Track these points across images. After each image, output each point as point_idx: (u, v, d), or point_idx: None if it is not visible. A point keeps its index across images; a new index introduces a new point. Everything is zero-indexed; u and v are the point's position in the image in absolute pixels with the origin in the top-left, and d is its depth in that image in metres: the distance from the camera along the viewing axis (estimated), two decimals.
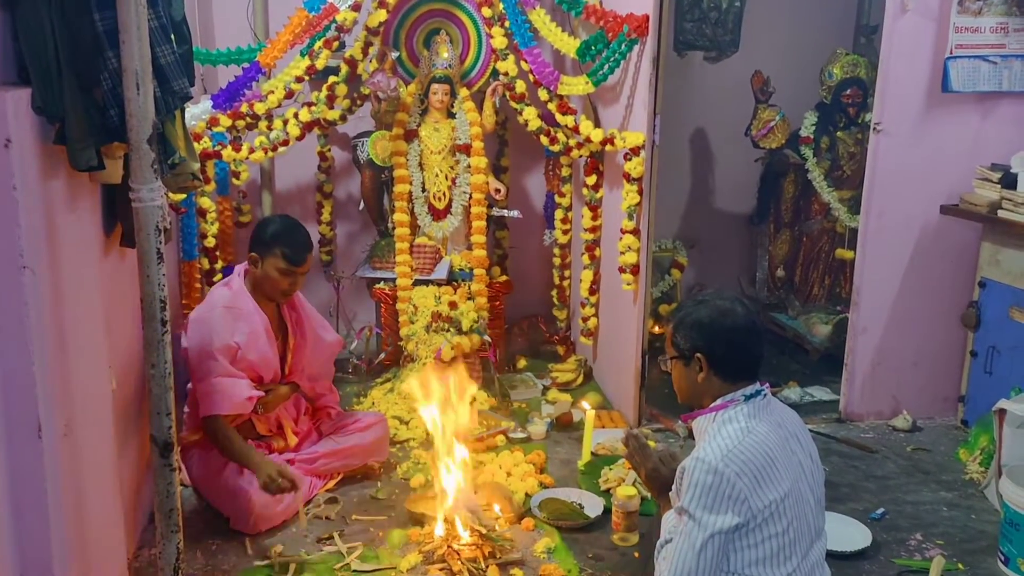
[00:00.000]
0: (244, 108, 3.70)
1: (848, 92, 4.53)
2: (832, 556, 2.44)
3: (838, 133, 4.61)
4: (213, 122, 3.65)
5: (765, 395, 2.02)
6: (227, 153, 3.64)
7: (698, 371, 2.03)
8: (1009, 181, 3.42)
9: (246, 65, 3.67)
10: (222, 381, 2.91)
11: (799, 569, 1.93)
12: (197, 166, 2.25)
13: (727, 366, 2.01)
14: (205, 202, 3.71)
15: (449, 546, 2.72)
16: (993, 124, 3.66)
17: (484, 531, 2.77)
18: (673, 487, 2.01)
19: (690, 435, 3.24)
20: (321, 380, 3.37)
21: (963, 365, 3.79)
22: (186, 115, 3.43)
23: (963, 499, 3.23)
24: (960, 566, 2.78)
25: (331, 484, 3.19)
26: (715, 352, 2.01)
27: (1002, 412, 2.98)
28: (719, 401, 2.01)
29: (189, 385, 3.05)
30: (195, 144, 3.52)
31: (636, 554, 2.79)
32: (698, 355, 2.03)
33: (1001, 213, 3.42)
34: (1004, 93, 3.62)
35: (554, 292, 4.67)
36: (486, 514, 2.89)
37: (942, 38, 3.53)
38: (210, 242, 3.76)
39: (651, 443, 2.33)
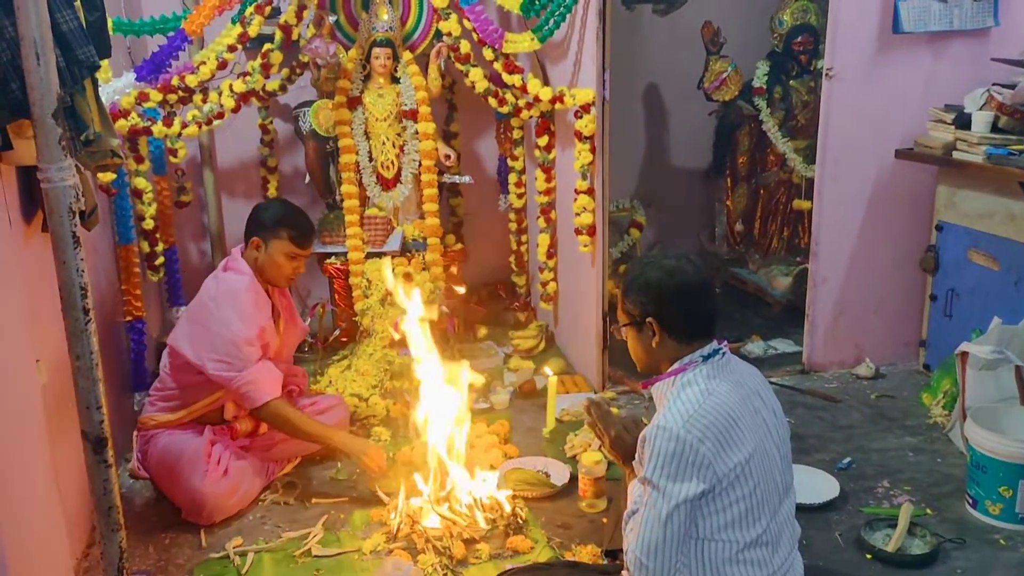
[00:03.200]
0: (175, 81, 3.52)
1: (799, 39, 4.46)
2: (801, 509, 2.40)
3: (791, 82, 4.54)
4: (143, 97, 3.47)
5: (724, 353, 1.95)
6: (158, 129, 3.46)
7: (651, 336, 1.95)
8: (963, 121, 3.38)
9: (171, 34, 3.48)
10: (264, 365, 2.85)
11: (769, 529, 1.88)
12: (116, 142, 2.10)
13: (680, 327, 1.93)
14: (140, 182, 3.54)
15: (414, 523, 2.65)
16: (945, 64, 3.61)
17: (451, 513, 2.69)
18: (636, 456, 1.94)
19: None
20: (288, 363, 3.30)
21: (923, 310, 3.78)
22: (109, 89, 3.29)
23: (928, 443, 3.23)
24: (928, 511, 2.77)
25: (289, 468, 3.10)
26: (666, 314, 1.93)
27: (964, 355, 2.96)
28: (677, 364, 1.93)
29: (166, 368, 2.93)
30: (123, 120, 3.37)
31: (604, 520, 2.74)
32: (649, 319, 1.95)
33: (956, 155, 3.38)
34: (955, 32, 3.56)
35: (512, 258, 4.57)
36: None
37: None
38: (148, 224, 3.60)
39: (614, 410, 2.27)
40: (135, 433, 3.01)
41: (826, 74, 3.55)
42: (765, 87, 4.53)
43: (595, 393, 3.70)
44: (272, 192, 4.42)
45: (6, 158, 2.01)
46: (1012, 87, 3.34)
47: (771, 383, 3.62)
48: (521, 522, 2.69)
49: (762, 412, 1.94)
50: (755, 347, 4.12)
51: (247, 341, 2.80)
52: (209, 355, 2.79)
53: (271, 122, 4.36)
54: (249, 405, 2.84)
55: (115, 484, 1.89)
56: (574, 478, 2.94)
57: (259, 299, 2.93)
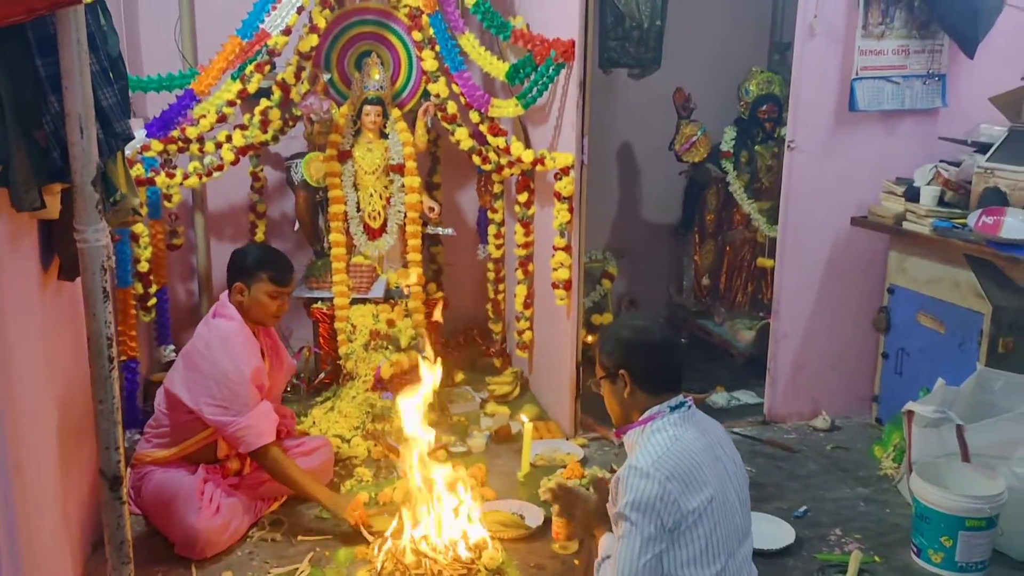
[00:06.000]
0: (176, 133, 3.69)
1: (764, 108, 4.75)
2: (759, 554, 2.58)
3: (756, 147, 4.82)
4: (144, 147, 3.64)
5: (689, 406, 2.18)
6: (161, 180, 3.64)
7: (624, 387, 2.18)
8: (912, 194, 3.65)
9: (178, 92, 3.67)
10: (260, 409, 2.99)
11: (727, 568, 2.07)
12: (137, 201, 2.28)
13: (649, 379, 2.17)
14: (138, 227, 3.69)
15: (397, 561, 2.79)
16: (898, 140, 3.90)
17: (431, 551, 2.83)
18: (609, 499, 2.13)
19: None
20: (277, 402, 3.44)
21: (876, 367, 4.02)
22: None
23: (878, 494, 3.44)
24: (876, 559, 2.97)
25: (276, 506, 3.22)
26: (636, 367, 2.17)
27: (910, 413, 3.18)
28: (647, 414, 2.15)
29: (161, 407, 3.08)
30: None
31: (576, 561, 2.90)
32: (622, 371, 2.17)
33: (905, 225, 3.65)
34: (907, 111, 3.86)
35: (489, 306, 4.76)
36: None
37: (848, 60, 3.75)
38: (143, 267, 3.75)
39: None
40: (128, 469, 3.14)
41: (788, 146, 3.83)
42: (732, 151, 4.80)
43: (567, 439, 3.87)
44: (260, 236, 4.58)
45: (34, 214, 2.18)
46: (958, 164, 3.63)
47: (734, 433, 3.90)
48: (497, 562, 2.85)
49: (723, 460, 2.15)
50: (719, 398, 4.33)
51: (242, 385, 2.95)
52: (205, 400, 2.94)
53: (262, 170, 4.54)
54: (244, 449, 2.98)
55: (127, 520, 2.03)
56: (548, 520, 3.10)
57: (249, 342, 3.09)
